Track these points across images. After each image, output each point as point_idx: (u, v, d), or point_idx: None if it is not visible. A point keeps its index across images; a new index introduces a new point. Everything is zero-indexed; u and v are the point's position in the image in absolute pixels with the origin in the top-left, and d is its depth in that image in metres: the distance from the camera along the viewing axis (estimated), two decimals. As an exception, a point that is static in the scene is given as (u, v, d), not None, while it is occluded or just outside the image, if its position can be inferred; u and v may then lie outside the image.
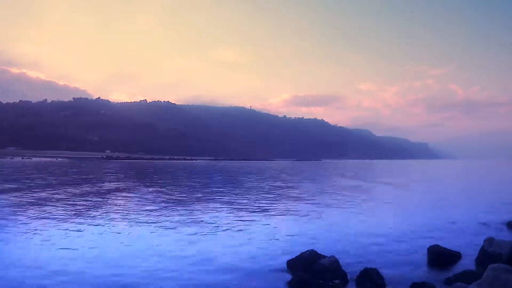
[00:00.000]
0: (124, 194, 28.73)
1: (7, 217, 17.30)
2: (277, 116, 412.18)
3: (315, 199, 27.00)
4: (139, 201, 24.31)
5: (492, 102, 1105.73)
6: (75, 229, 15.04)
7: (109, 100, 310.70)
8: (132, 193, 29.39)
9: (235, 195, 29.07)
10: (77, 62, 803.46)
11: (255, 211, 20.68)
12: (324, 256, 10.56)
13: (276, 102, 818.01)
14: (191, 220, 17.62)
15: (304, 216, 19.54)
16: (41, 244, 12.60)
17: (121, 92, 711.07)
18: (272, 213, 20.37)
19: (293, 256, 10.94)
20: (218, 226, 16.20)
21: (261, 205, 23.44)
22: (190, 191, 31.55)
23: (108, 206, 21.91)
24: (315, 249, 11.05)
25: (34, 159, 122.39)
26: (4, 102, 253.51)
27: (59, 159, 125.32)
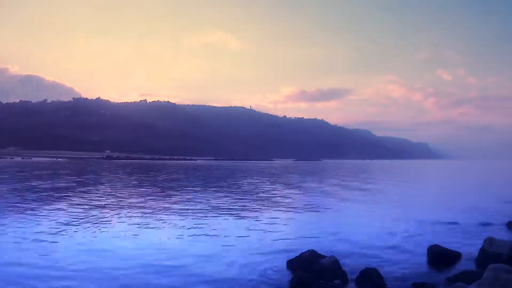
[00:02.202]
0: (124, 194, 28.73)
1: None
2: (277, 116, 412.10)
3: (314, 199, 26.98)
4: (138, 200, 24.32)
5: (507, 97, 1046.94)
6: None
7: (100, 97, 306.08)
8: (132, 193, 29.38)
9: (234, 194, 29.06)
10: (69, 61, 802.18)
11: (255, 211, 20.67)
12: (324, 256, 10.56)
13: (275, 98, 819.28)
14: (190, 219, 17.62)
15: (304, 216, 19.55)
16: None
17: (113, 89, 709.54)
18: (272, 212, 20.35)
19: (293, 256, 10.94)
20: (217, 226, 16.19)
21: (261, 204, 23.44)
22: (190, 191, 31.52)
23: (107, 205, 21.93)
24: (315, 249, 11.04)
25: (34, 159, 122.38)
26: (4, 102, 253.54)
27: (59, 159, 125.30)
